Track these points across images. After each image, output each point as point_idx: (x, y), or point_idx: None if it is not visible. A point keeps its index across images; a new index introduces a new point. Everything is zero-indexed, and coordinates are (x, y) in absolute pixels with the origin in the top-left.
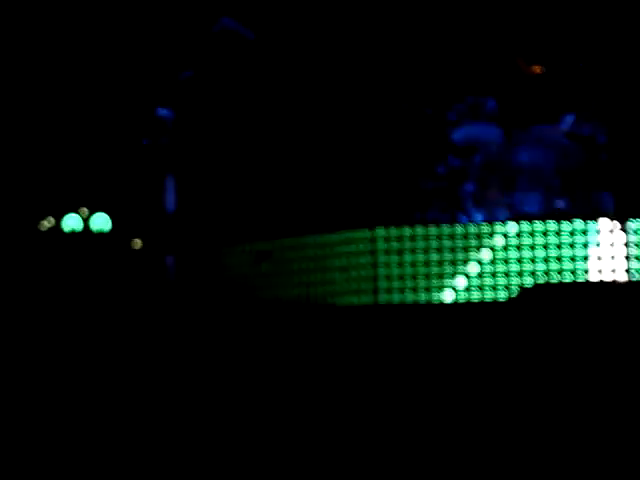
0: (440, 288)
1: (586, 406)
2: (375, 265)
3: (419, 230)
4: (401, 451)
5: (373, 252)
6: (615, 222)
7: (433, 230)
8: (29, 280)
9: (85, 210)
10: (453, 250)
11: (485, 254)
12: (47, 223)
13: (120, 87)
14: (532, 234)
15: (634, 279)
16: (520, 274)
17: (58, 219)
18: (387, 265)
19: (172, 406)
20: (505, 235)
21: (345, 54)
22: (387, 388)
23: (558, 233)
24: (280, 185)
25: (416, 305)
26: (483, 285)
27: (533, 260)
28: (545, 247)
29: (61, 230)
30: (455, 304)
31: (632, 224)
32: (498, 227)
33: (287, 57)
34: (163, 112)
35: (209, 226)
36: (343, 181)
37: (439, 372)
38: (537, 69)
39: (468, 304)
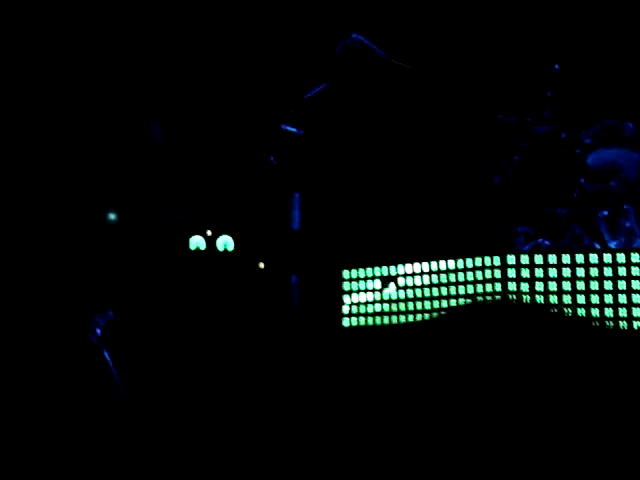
0: (573, 317)
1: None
2: (505, 292)
3: (551, 258)
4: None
5: (504, 279)
6: None
7: (565, 258)
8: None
9: (209, 232)
10: (587, 279)
11: (619, 284)
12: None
13: (247, 104)
14: None
15: None
16: None
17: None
18: (516, 293)
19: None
20: None
21: (476, 76)
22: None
23: None
24: (407, 208)
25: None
26: (617, 316)
27: None
28: None
29: (187, 249)
30: (593, 332)
31: None
32: (635, 256)
33: (418, 76)
34: (290, 129)
35: (332, 247)
36: (473, 204)
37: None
38: None
39: (602, 332)
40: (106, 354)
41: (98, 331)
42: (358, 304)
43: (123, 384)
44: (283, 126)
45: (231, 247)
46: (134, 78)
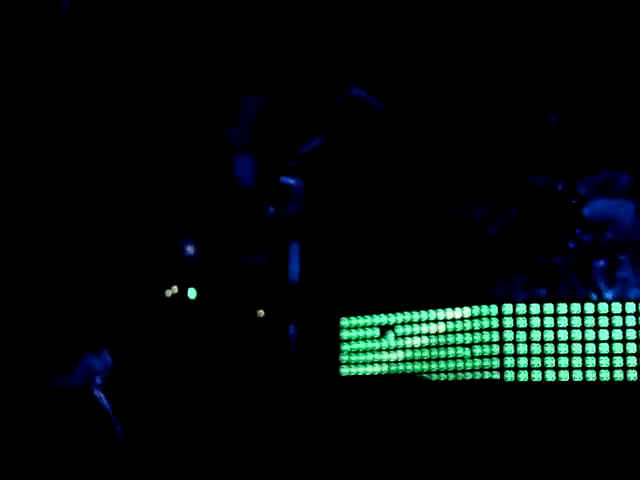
0: (569, 367)
1: None
2: (501, 342)
3: (547, 307)
4: None
5: (500, 329)
6: None
7: (562, 307)
8: (155, 347)
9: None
10: (582, 329)
11: (616, 334)
12: (171, 291)
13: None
14: None
15: None
16: None
17: (183, 287)
18: (513, 342)
19: None
20: (637, 315)
21: (472, 125)
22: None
23: None
24: (405, 256)
25: (543, 383)
26: (613, 365)
27: None
28: None
29: (186, 298)
30: (584, 383)
31: None
32: (630, 306)
33: (416, 128)
34: (288, 181)
35: (330, 296)
36: (468, 254)
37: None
38: None
39: (596, 383)
40: (107, 405)
41: (98, 380)
42: (357, 352)
43: (125, 437)
44: (282, 178)
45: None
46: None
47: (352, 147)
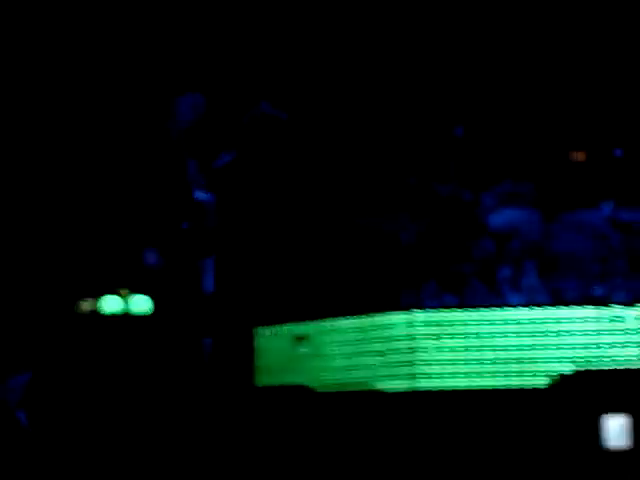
0: (478, 374)
1: None
2: (413, 349)
3: (457, 314)
4: None
5: (411, 336)
6: None
7: (472, 314)
8: (67, 363)
9: (126, 291)
10: (491, 335)
11: (524, 340)
12: (86, 305)
13: (160, 172)
14: (570, 320)
15: None
16: (559, 360)
17: (97, 301)
18: (425, 350)
19: None
20: (544, 321)
21: (375, 133)
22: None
23: (597, 320)
24: (318, 267)
25: (455, 392)
26: (522, 371)
27: (572, 346)
28: (584, 334)
29: (100, 312)
30: (493, 390)
31: None
32: (537, 312)
33: (326, 142)
34: (202, 196)
35: (246, 308)
36: (380, 264)
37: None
38: (580, 156)
39: (507, 391)
40: (24, 421)
41: (17, 393)
42: (271, 361)
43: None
44: (195, 193)
45: (146, 308)
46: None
47: (263, 162)
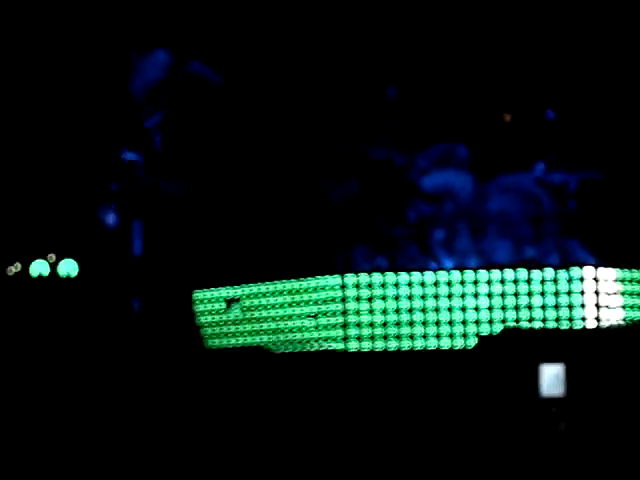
0: (411, 336)
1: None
2: (345, 312)
3: (390, 277)
4: None
5: (343, 299)
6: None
7: (403, 277)
8: None
9: (53, 256)
10: (423, 297)
11: (455, 302)
12: (14, 268)
13: (88, 132)
14: (502, 282)
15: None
16: (490, 322)
17: (25, 264)
18: (357, 312)
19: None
20: (475, 283)
21: (314, 97)
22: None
23: (528, 281)
24: (250, 230)
25: (386, 353)
26: (453, 333)
27: (503, 308)
28: (515, 295)
29: (28, 275)
30: (425, 351)
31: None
32: (468, 275)
33: (256, 102)
34: (130, 156)
35: (178, 270)
36: (313, 227)
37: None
38: (507, 117)
39: (438, 351)
40: None
41: None
42: (208, 325)
43: None
44: (124, 154)
45: (74, 272)
46: None
47: (195, 122)
